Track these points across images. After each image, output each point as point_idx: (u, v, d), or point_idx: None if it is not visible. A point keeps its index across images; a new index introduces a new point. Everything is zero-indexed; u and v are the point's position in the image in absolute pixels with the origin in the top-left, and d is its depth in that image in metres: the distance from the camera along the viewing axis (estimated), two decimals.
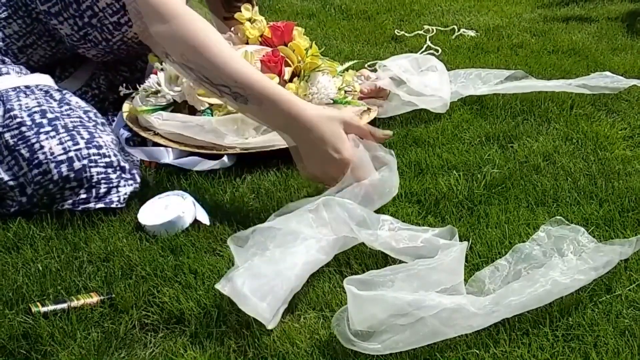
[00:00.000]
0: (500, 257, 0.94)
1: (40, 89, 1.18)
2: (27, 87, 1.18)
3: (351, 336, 0.79)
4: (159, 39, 1.10)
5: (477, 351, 0.79)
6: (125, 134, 1.29)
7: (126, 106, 1.37)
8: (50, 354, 0.81)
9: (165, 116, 1.28)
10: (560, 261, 0.89)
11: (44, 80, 1.24)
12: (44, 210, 1.07)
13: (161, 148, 1.25)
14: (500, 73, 1.55)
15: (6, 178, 1.07)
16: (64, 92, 1.21)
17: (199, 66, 1.07)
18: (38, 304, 0.87)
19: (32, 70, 1.29)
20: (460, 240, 0.95)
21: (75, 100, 1.20)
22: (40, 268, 0.95)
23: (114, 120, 1.37)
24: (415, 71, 1.48)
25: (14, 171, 1.07)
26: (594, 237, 0.96)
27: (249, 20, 1.52)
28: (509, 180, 1.14)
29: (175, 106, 1.33)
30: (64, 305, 0.87)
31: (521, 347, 0.79)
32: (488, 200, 1.09)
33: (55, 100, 1.17)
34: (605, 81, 1.50)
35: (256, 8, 1.54)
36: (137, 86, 1.35)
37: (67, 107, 1.16)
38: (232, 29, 1.54)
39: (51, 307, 0.86)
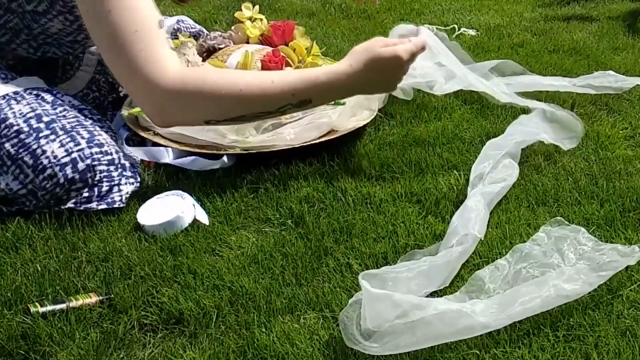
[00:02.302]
0: (500, 257, 0.93)
1: (30, 93, 1.16)
2: (15, 92, 1.15)
3: (357, 335, 0.79)
4: (196, 116, 1.08)
5: (478, 352, 0.78)
6: (125, 133, 1.29)
7: (126, 106, 1.37)
8: (49, 354, 0.81)
9: None
10: (568, 268, 0.88)
11: (32, 82, 1.21)
12: (45, 209, 1.07)
13: (161, 148, 1.25)
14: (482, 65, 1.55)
15: (15, 188, 1.06)
16: (55, 91, 1.19)
17: (249, 109, 1.08)
18: (37, 304, 0.86)
19: (13, 68, 1.27)
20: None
21: (68, 99, 1.19)
22: (39, 268, 0.95)
23: (112, 121, 1.36)
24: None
25: (20, 180, 1.06)
26: (595, 237, 0.96)
27: (250, 19, 1.51)
28: None
29: None
30: (63, 306, 0.86)
31: (522, 347, 0.79)
32: None
33: (47, 102, 1.15)
34: (609, 80, 1.50)
35: (257, 7, 1.54)
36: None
37: (61, 108, 1.15)
38: (233, 27, 1.54)
39: (50, 308, 0.86)
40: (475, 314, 0.80)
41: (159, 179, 1.20)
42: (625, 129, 1.33)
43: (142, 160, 1.24)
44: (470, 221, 0.97)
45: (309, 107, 1.14)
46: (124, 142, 1.27)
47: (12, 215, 1.07)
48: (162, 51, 1.05)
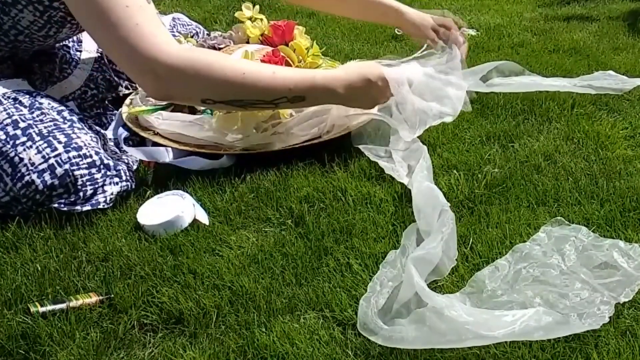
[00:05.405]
0: (500, 257, 0.93)
1: (7, 97, 1.14)
2: None
3: (375, 314, 0.82)
4: (196, 93, 1.11)
5: (478, 351, 0.78)
6: (124, 133, 1.29)
7: (126, 106, 1.37)
8: (49, 354, 0.81)
9: (165, 116, 1.28)
10: (581, 284, 0.88)
11: (14, 85, 1.20)
12: (32, 213, 1.06)
13: (161, 148, 1.24)
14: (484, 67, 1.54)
15: None
16: (34, 93, 1.17)
17: (248, 95, 1.12)
18: (37, 304, 0.86)
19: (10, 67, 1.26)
20: (465, 242, 0.96)
21: (47, 101, 1.16)
22: (39, 268, 0.95)
23: (112, 120, 1.37)
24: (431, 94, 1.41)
25: (2, 187, 1.06)
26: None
27: (250, 19, 1.52)
28: (509, 180, 1.13)
29: (175, 106, 1.32)
30: (63, 306, 0.86)
31: (522, 347, 0.79)
32: (488, 200, 1.09)
33: (25, 106, 1.13)
34: (609, 82, 1.50)
35: (257, 7, 1.54)
36: (137, 86, 1.35)
37: (38, 112, 1.12)
38: (233, 27, 1.54)
39: (50, 307, 0.86)
40: (488, 331, 0.80)
41: (159, 179, 1.19)
42: (625, 129, 1.33)
43: (141, 160, 1.24)
44: (438, 197, 1.03)
45: (301, 105, 1.19)
46: (123, 142, 1.27)
47: (11, 215, 1.07)
48: (160, 26, 1.09)
